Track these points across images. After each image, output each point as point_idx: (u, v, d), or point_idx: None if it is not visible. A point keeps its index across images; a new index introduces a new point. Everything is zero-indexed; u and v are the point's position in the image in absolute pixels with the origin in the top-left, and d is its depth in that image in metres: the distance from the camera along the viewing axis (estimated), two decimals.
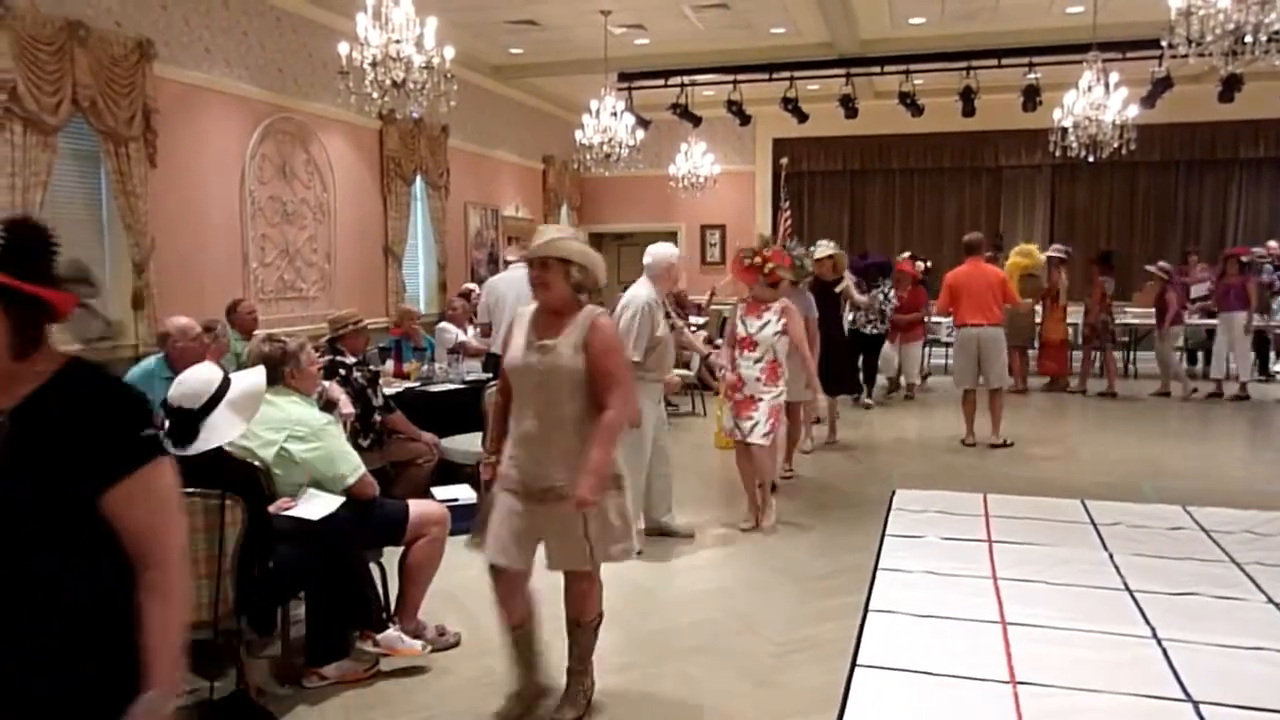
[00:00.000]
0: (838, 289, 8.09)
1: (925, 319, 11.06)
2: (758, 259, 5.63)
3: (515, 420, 3.35)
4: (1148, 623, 4.22)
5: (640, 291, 5.34)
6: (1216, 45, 5.89)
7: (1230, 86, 10.48)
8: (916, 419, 9.66)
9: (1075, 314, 11.60)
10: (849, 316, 9.55)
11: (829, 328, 7.66)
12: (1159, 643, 4.01)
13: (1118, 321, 11.59)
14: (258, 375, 3.46)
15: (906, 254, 11.75)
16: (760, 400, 5.60)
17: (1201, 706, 3.45)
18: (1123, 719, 3.39)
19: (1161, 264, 11.24)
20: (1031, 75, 11.15)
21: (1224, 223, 14.44)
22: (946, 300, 8.35)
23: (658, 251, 5.50)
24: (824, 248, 8.09)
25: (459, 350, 7.61)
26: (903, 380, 11.05)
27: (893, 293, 10.17)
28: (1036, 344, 11.61)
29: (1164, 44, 6.21)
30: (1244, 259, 10.70)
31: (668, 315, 5.44)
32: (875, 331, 9.87)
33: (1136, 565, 5.00)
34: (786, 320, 5.63)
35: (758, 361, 5.62)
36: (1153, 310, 11.00)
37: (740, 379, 5.66)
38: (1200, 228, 14.46)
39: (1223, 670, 3.74)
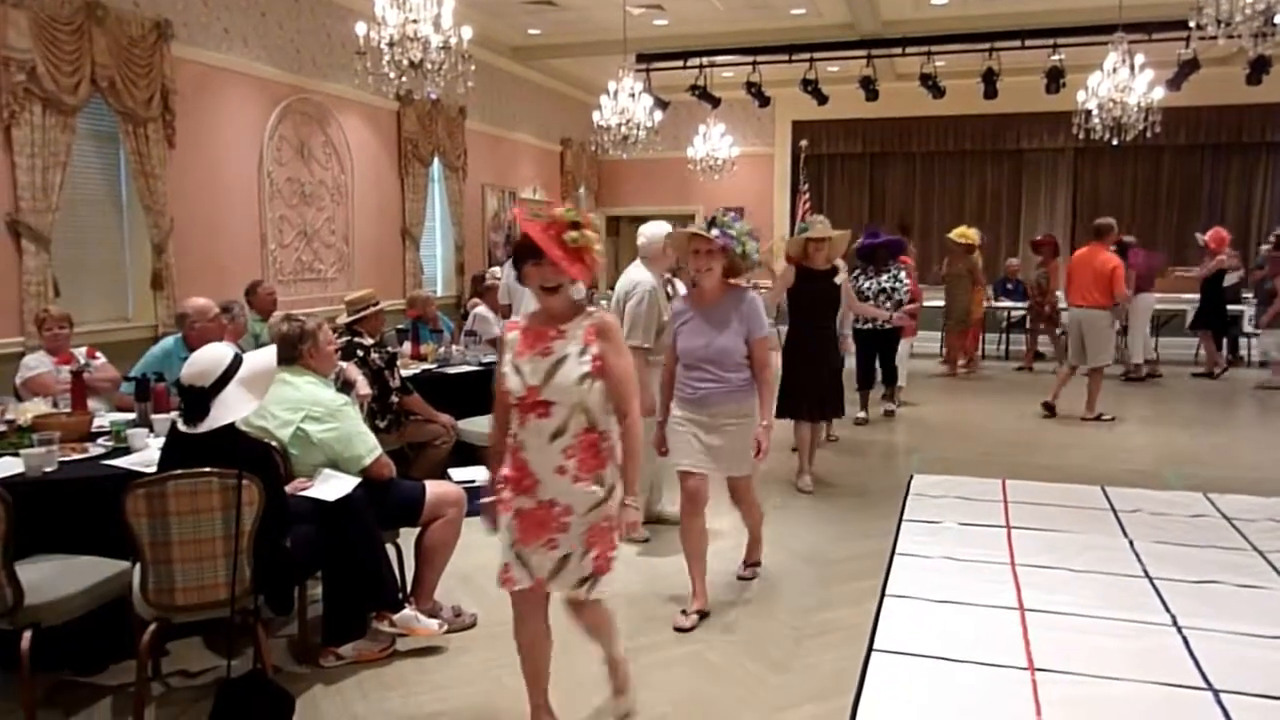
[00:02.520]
0: (837, 280, 6.17)
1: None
2: (560, 227, 2.87)
3: None
4: (1168, 610, 4.18)
5: (642, 275, 5.19)
6: (1245, 26, 5.79)
7: (1258, 69, 10.34)
8: (935, 404, 9.59)
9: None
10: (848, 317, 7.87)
11: (820, 334, 6.15)
12: (1179, 631, 3.97)
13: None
14: (269, 354, 3.45)
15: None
16: (573, 512, 2.90)
17: (1222, 695, 3.42)
18: (1142, 707, 3.36)
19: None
20: (1055, 57, 11.02)
21: (1249, 207, 14.29)
22: (1066, 280, 8.85)
23: (651, 231, 5.23)
24: (818, 227, 6.14)
25: (494, 343, 7.52)
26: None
27: (905, 276, 8.56)
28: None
29: (1191, 25, 6.11)
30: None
31: (670, 297, 5.22)
32: (892, 325, 8.32)
33: (1157, 552, 4.96)
34: (602, 348, 2.90)
35: (558, 436, 2.88)
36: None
37: (527, 473, 2.91)
38: (1225, 212, 14.29)
39: (1244, 659, 3.70)
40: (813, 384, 6.12)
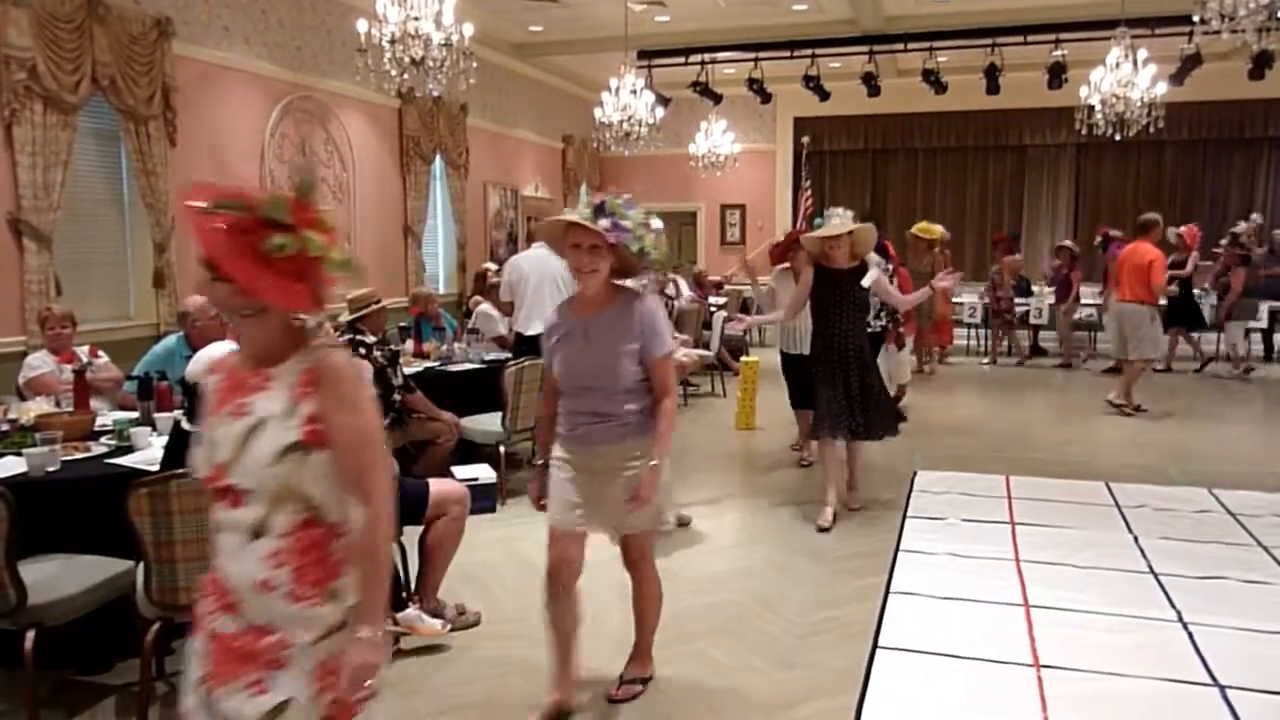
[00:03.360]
0: (866, 282, 5.43)
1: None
2: (254, 229, 1.79)
3: None
4: (1173, 606, 4.17)
5: None
6: (1249, 20, 5.78)
7: (1261, 64, 10.32)
8: (937, 402, 9.58)
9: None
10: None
11: (846, 342, 5.45)
12: (1185, 626, 3.96)
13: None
14: None
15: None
16: (292, 643, 1.89)
17: (1228, 691, 3.41)
18: (1148, 703, 3.34)
19: (1068, 243, 11.85)
20: (1058, 52, 11.00)
21: (1251, 203, 14.26)
22: (1116, 275, 9.07)
23: None
24: (837, 222, 5.41)
25: (498, 341, 7.52)
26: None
27: (895, 281, 7.57)
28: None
29: (1195, 19, 6.10)
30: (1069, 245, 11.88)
31: (671, 297, 5.12)
32: (873, 329, 6.99)
33: (1162, 548, 4.94)
34: (322, 404, 1.86)
35: (259, 535, 1.88)
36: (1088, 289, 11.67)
37: (226, 588, 1.93)
38: (1227, 207, 14.28)
39: (1249, 654, 3.69)
40: (842, 398, 5.43)
